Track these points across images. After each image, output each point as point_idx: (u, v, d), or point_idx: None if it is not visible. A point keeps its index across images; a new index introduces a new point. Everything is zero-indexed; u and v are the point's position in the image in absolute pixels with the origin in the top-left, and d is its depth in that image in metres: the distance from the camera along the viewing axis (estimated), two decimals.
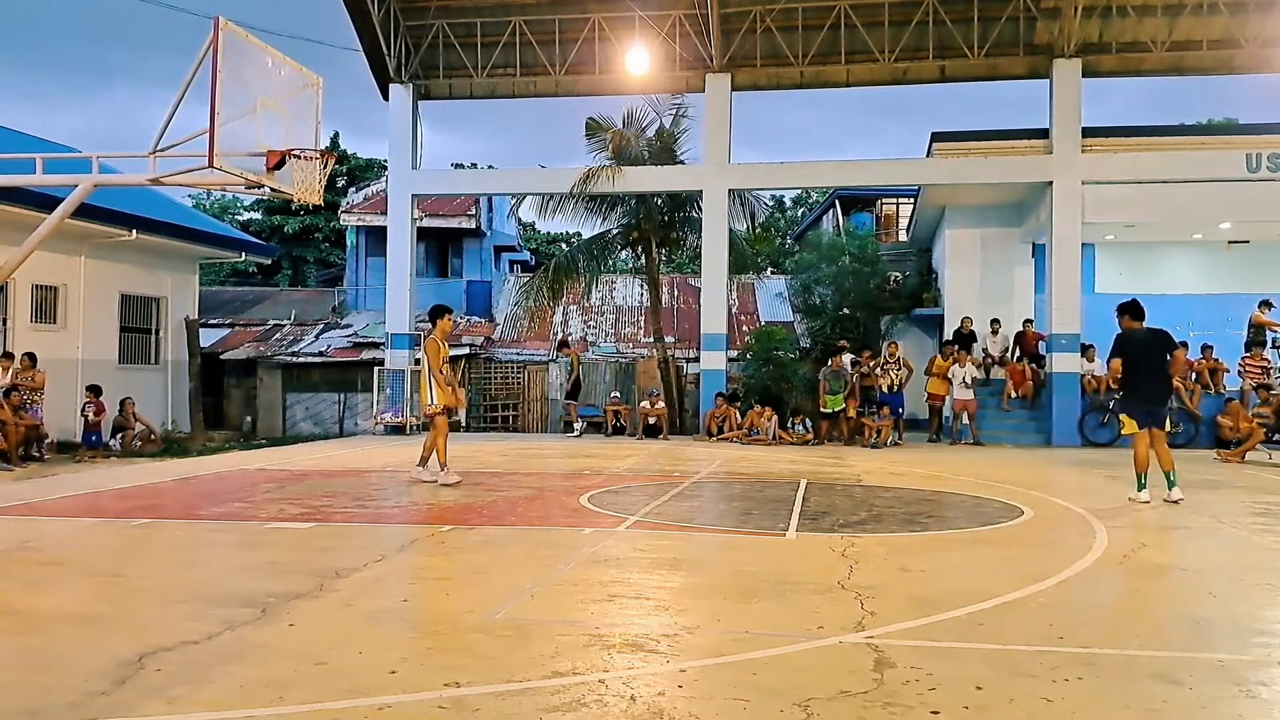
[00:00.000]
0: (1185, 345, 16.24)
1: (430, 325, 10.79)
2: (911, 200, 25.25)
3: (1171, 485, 9.17)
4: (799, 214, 42.05)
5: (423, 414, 10.60)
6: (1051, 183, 17.89)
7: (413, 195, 20.34)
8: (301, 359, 22.65)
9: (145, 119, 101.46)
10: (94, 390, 15.37)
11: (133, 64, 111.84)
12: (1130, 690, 3.75)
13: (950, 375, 17.64)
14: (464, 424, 21.79)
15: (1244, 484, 11.29)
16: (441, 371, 10.39)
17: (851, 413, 17.26)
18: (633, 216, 21.51)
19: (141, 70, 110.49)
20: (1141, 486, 9.17)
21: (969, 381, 17.49)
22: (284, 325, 24.80)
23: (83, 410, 15.32)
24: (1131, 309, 9.61)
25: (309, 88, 12.13)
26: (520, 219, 34.15)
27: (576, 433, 19.69)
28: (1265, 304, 16.66)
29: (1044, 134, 18.46)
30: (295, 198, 11.72)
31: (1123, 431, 9.50)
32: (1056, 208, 17.80)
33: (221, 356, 22.60)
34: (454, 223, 26.78)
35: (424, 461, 10.67)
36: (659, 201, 21.44)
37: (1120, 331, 9.63)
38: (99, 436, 15.24)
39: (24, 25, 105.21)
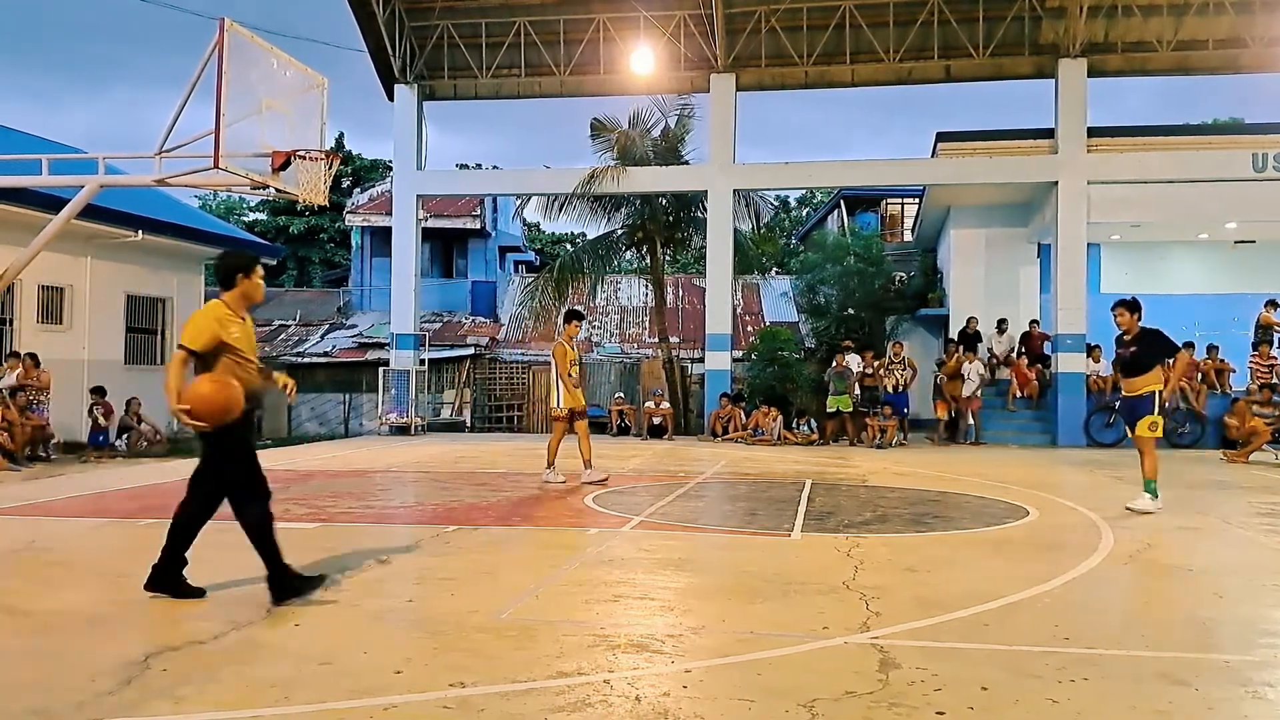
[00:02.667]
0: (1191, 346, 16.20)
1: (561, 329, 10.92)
2: (917, 200, 25.25)
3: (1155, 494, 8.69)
4: (804, 214, 41.99)
5: (549, 415, 10.68)
6: (1057, 182, 17.86)
7: (418, 195, 20.36)
8: (307, 359, 22.69)
9: (149, 118, 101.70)
10: (100, 392, 15.40)
11: (137, 63, 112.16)
12: (1136, 691, 3.75)
13: (964, 373, 17.57)
14: (469, 424, 21.83)
15: (1250, 484, 11.25)
16: (570, 375, 10.39)
17: (891, 435, 16.94)
18: (638, 217, 21.52)
19: (145, 69, 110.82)
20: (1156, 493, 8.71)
21: (976, 378, 17.48)
22: (289, 325, 24.85)
23: (90, 411, 15.32)
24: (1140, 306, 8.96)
25: (314, 88, 12.15)
26: (525, 219, 34.17)
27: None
28: (1271, 304, 16.60)
29: (1049, 134, 18.43)
30: (300, 198, 11.74)
31: (1155, 433, 8.63)
32: (1062, 208, 17.76)
33: None
34: (459, 223, 26.83)
35: (551, 464, 10.53)
36: (664, 202, 21.45)
37: (1153, 327, 8.91)
38: (106, 437, 15.28)
39: (28, 24, 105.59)
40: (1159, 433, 8.65)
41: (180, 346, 5.01)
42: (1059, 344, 17.73)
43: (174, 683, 3.74)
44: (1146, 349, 8.68)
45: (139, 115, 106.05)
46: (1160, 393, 8.59)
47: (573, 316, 10.85)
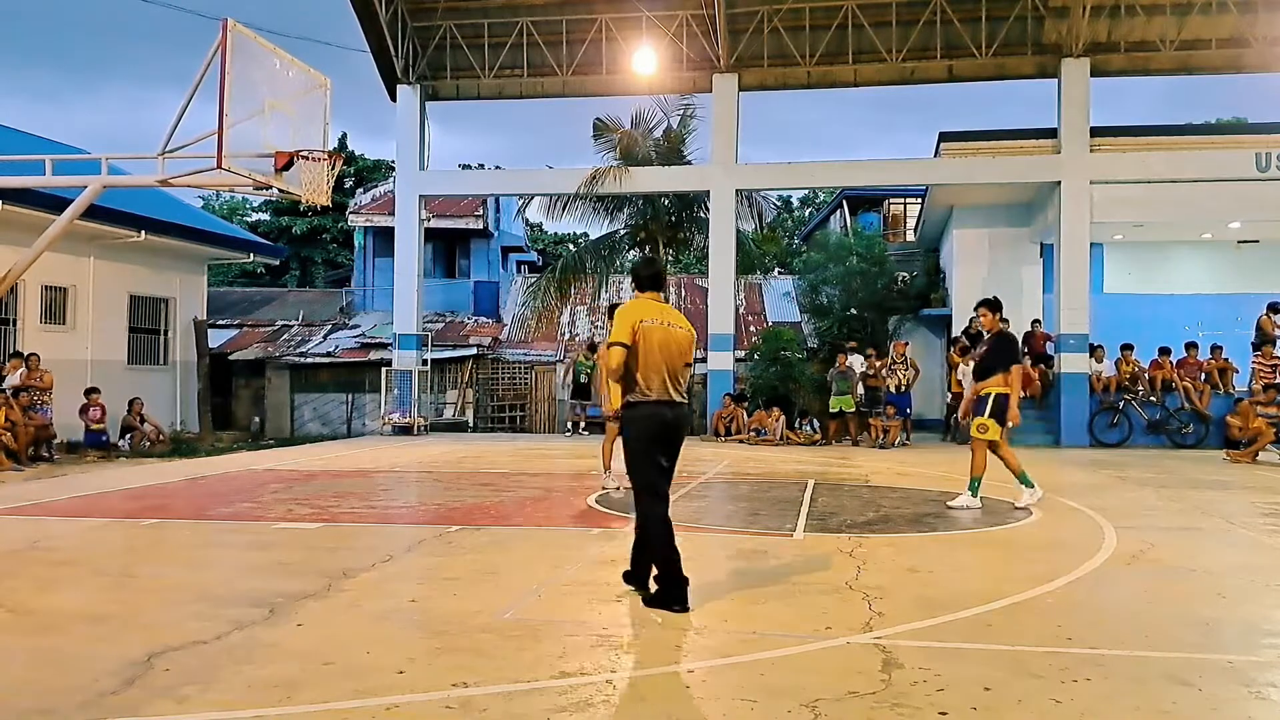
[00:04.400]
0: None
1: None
2: (919, 200, 25.22)
3: (1030, 485, 8.75)
4: (806, 214, 41.97)
5: (604, 415, 10.11)
6: (1060, 182, 17.83)
7: (420, 196, 20.37)
8: (309, 359, 22.69)
9: (152, 116, 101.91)
10: (96, 391, 15.40)
11: (139, 61, 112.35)
12: (1140, 691, 3.74)
13: (960, 375, 17.57)
14: (472, 424, 21.84)
15: (1253, 484, 11.23)
16: None
17: (894, 435, 16.81)
18: (640, 217, 21.51)
19: (147, 67, 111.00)
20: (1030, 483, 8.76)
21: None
22: (292, 326, 24.85)
23: (85, 411, 15.25)
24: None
25: (317, 89, 12.17)
26: (528, 219, 34.17)
27: (570, 431, 19.90)
28: (1273, 307, 16.46)
29: (1052, 134, 18.40)
30: (303, 199, 11.76)
31: (991, 436, 8.58)
32: (1065, 207, 17.74)
33: (230, 357, 22.66)
34: (462, 223, 26.82)
35: (606, 466, 9.94)
36: (666, 202, 21.44)
37: (1008, 331, 8.95)
38: (108, 436, 15.32)
39: (28, 22, 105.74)
40: (989, 435, 8.63)
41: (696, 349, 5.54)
42: (1062, 344, 17.70)
43: (177, 682, 3.75)
44: (990, 354, 8.72)
45: (141, 114, 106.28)
46: (996, 396, 8.51)
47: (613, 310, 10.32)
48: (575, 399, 19.95)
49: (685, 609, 4.83)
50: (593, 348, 20.43)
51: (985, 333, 8.95)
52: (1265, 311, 16.45)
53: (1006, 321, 9.32)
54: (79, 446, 15.08)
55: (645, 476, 5.09)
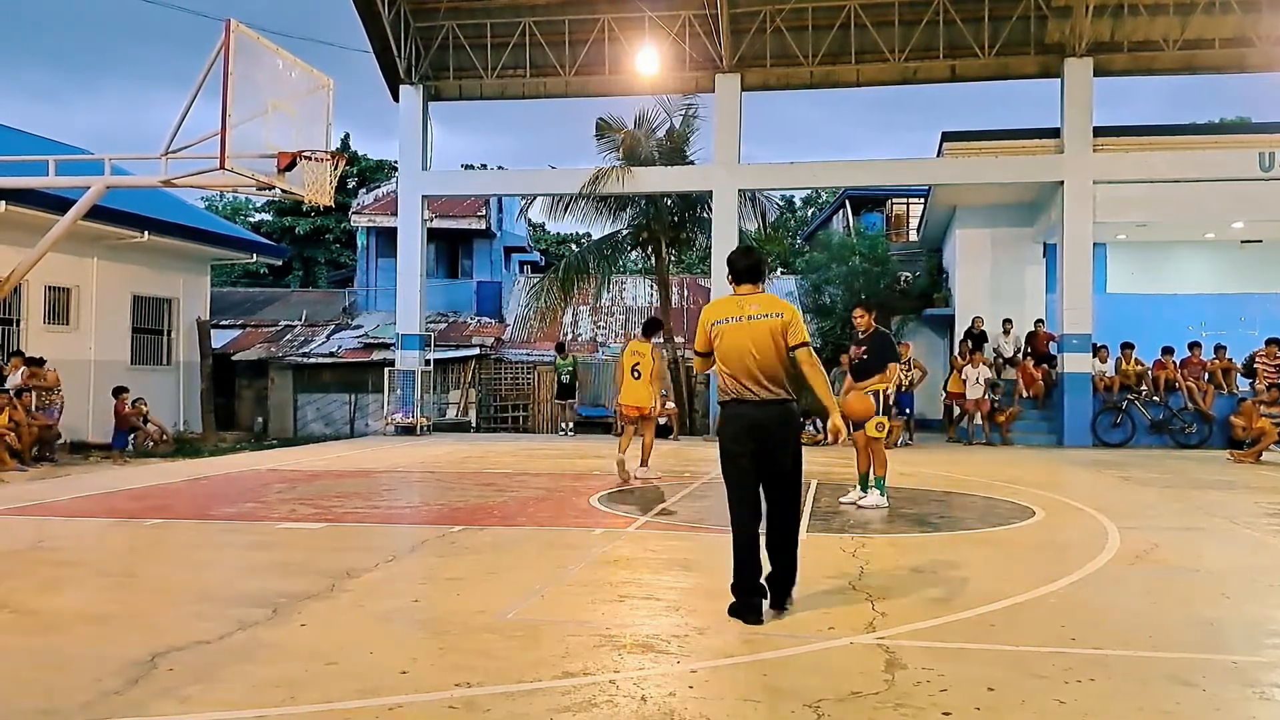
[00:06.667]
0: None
1: (644, 336, 10.89)
2: (922, 200, 25.21)
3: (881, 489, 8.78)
4: (809, 214, 41.94)
5: (636, 411, 10.55)
6: (1063, 182, 17.80)
7: (423, 196, 20.37)
8: (312, 360, 22.71)
9: (152, 116, 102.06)
10: (125, 391, 15.62)
11: (140, 61, 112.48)
12: (1143, 692, 3.74)
13: (964, 376, 17.58)
14: (474, 424, 21.85)
15: (1257, 485, 11.21)
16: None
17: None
18: (643, 217, 21.51)
19: (149, 66, 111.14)
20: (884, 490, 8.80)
21: (981, 381, 17.45)
22: (295, 326, 24.87)
23: (136, 407, 15.63)
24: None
25: (320, 89, 12.18)
26: (530, 220, 34.18)
27: (564, 432, 20.20)
28: (1274, 342, 16.29)
29: (1055, 133, 18.38)
30: (306, 199, 11.77)
31: (882, 434, 8.58)
32: (1068, 207, 17.72)
33: (233, 357, 22.68)
34: (464, 223, 26.82)
35: (645, 462, 10.66)
36: (669, 202, 21.43)
37: (884, 329, 8.96)
38: (124, 435, 15.48)
39: (28, 21, 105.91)
40: (885, 434, 8.64)
41: (804, 344, 4.99)
42: (1065, 344, 17.69)
43: (180, 682, 3.75)
44: (868, 353, 8.70)
45: (141, 114, 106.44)
46: (881, 393, 8.52)
47: (659, 326, 11.13)
48: (560, 399, 20.25)
49: (759, 620, 4.65)
50: (561, 348, 20.63)
51: (861, 333, 8.90)
52: (1265, 344, 16.25)
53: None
54: (82, 447, 15.10)
55: (730, 484, 4.96)
